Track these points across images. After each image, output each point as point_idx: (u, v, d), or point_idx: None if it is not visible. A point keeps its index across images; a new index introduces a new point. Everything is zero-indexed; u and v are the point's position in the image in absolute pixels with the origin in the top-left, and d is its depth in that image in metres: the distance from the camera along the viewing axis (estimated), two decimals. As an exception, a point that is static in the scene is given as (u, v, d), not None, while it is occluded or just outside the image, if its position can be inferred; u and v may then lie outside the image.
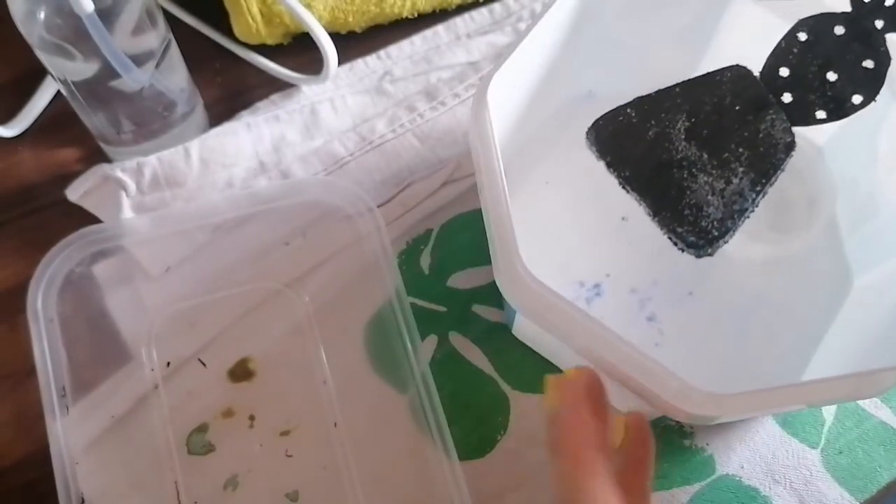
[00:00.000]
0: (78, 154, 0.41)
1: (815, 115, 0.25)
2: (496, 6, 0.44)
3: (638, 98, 0.27)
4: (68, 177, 0.39)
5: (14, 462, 0.35)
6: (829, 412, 0.34)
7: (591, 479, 0.22)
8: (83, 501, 0.32)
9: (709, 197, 0.25)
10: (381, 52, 0.43)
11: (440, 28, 0.43)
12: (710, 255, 0.25)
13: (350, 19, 0.42)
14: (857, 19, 0.25)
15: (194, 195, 0.39)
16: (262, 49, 0.43)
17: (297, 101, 0.42)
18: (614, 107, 0.27)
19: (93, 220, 0.39)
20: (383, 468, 0.33)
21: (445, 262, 0.37)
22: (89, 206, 0.39)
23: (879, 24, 0.25)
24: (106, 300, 0.36)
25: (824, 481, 0.33)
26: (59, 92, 0.42)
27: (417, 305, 0.36)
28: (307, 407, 0.35)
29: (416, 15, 0.44)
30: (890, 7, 0.24)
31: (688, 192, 0.25)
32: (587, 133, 0.27)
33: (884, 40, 0.25)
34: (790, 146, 0.25)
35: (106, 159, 0.40)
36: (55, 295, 0.35)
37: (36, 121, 0.42)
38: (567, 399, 0.23)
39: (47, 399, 0.33)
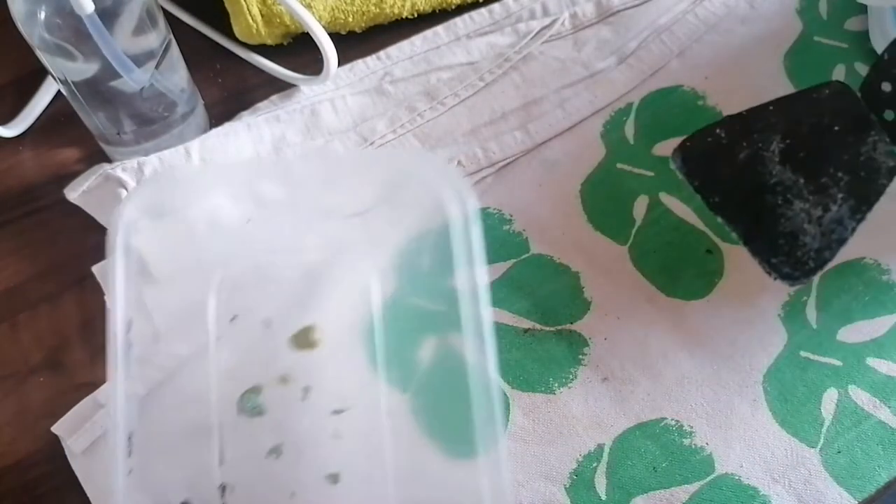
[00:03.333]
0: (78, 154, 0.41)
1: None
2: (496, 7, 0.44)
3: (729, 117, 0.25)
4: (69, 177, 0.39)
5: (14, 462, 0.35)
6: (828, 412, 0.34)
7: None
8: (130, 438, 0.32)
9: (805, 225, 0.24)
10: (381, 53, 0.43)
11: (440, 29, 0.44)
12: (804, 284, 0.23)
13: (350, 20, 0.43)
14: None
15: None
16: (263, 49, 0.43)
17: (297, 101, 0.42)
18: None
19: (94, 219, 0.39)
20: (423, 466, 0.33)
21: (445, 263, 0.37)
22: (87, 204, 0.39)
23: None
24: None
25: (823, 480, 0.33)
26: (59, 92, 0.42)
27: (418, 305, 0.36)
28: (364, 390, 0.34)
29: (415, 15, 0.44)
30: None
31: (782, 220, 0.24)
32: (672, 156, 0.25)
33: None
34: (894, 170, 0.23)
35: (106, 159, 0.40)
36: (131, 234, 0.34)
37: (36, 121, 0.42)
38: None
39: (115, 336, 0.32)
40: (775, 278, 0.24)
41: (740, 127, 0.24)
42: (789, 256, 0.23)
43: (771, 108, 0.24)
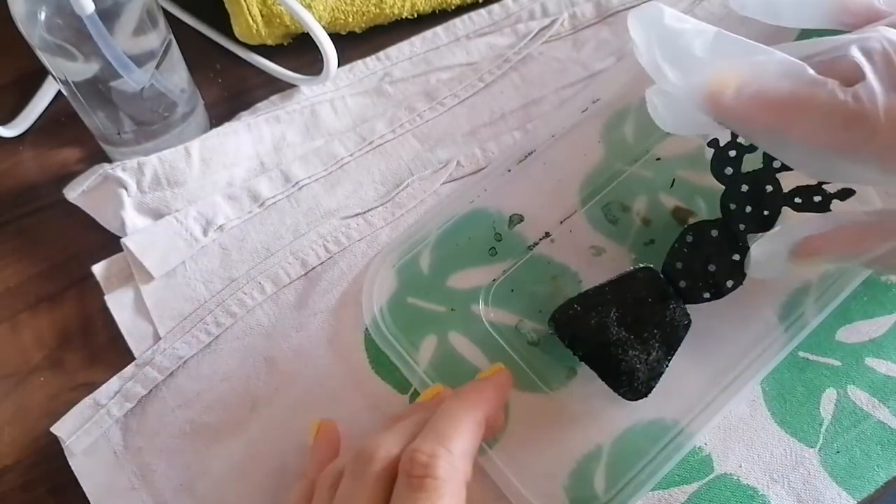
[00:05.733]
0: (79, 154, 0.41)
1: (702, 296, 0.33)
2: (495, 7, 0.44)
3: (580, 294, 0.34)
4: (69, 177, 0.39)
5: (14, 462, 0.35)
6: (826, 412, 0.35)
7: None
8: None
9: (637, 365, 0.32)
10: (381, 54, 0.43)
11: (439, 30, 0.44)
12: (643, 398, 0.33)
13: (350, 20, 0.43)
14: (726, 224, 0.33)
15: (195, 195, 0.39)
16: (263, 49, 0.43)
17: (296, 101, 0.42)
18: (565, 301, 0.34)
19: (95, 219, 0.39)
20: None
21: (445, 262, 0.37)
22: (87, 205, 0.39)
23: (742, 226, 0.32)
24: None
25: (822, 480, 0.33)
26: (60, 92, 0.42)
27: (417, 305, 0.37)
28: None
29: (415, 16, 0.44)
30: (748, 213, 0.32)
31: (623, 364, 0.32)
32: (548, 322, 0.34)
33: (745, 238, 0.32)
34: (688, 326, 0.33)
35: (107, 159, 0.40)
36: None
37: (37, 121, 0.42)
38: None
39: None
40: (625, 399, 0.33)
41: (589, 302, 0.33)
42: (629, 387, 0.33)
43: (607, 288, 0.33)
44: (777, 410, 0.35)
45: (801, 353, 0.36)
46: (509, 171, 0.39)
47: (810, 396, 0.35)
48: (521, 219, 0.38)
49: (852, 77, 0.25)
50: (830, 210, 0.32)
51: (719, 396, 0.34)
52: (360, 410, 0.35)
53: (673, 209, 0.38)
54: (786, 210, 0.33)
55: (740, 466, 0.34)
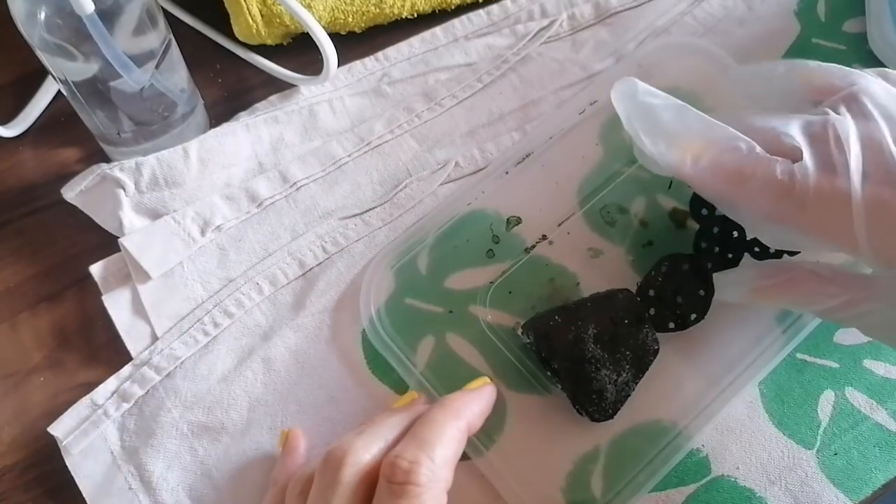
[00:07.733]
0: (78, 154, 0.41)
1: (667, 326, 0.34)
2: (494, 8, 0.44)
3: (560, 307, 0.34)
4: (69, 177, 0.39)
5: (14, 462, 0.35)
6: (824, 414, 0.34)
7: None
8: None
9: (607, 385, 0.33)
10: (380, 55, 0.43)
11: (438, 30, 0.44)
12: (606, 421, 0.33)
13: (350, 20, 0.43)
14: (696, 260, 0.35)
15: (193, 195, 0.39)
16: (263, 49, 0.43)
17: (295, 101, 0.42)
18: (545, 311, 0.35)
19: (93, 219, 0.39)
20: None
21: (443, 263, 0.37)
22: (85, 204, 0.39)
23: (709, 265, 0.34)
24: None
25: (819, 482, 0.33)
26: (59, 92, 0.42)
27: (415, 306, 0.37)
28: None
29: (415, 15, 0.44)
30: (716, 253, 0.35)
31: (594, 382, 0.33)
32: (524, 327, 0.34)
33: (711, 276, 0.34)
34: (656, 352, 0.34)
35: (106, 159, 0.40)
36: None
37: (37, 121, 0.42)
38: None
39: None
40: (589, 419, 0.33)
41: (570, 315, 0.33)
42: (597, 406, 0.33)
43: (588, 303, 0.34)
44: (775, 412, 0.35)
45: (799, 355, 0.36)
46: (507, 173, 0.39)
47: (808, 398, 0.35)
48: (518, 221, 0.38)
49: (796, 154, 0.27)
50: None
51: (717, 398, 0.34)
52: (357, 411, 0.35)
53: (671, 210, 0.38)
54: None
55: (738, 468, 0.34)
